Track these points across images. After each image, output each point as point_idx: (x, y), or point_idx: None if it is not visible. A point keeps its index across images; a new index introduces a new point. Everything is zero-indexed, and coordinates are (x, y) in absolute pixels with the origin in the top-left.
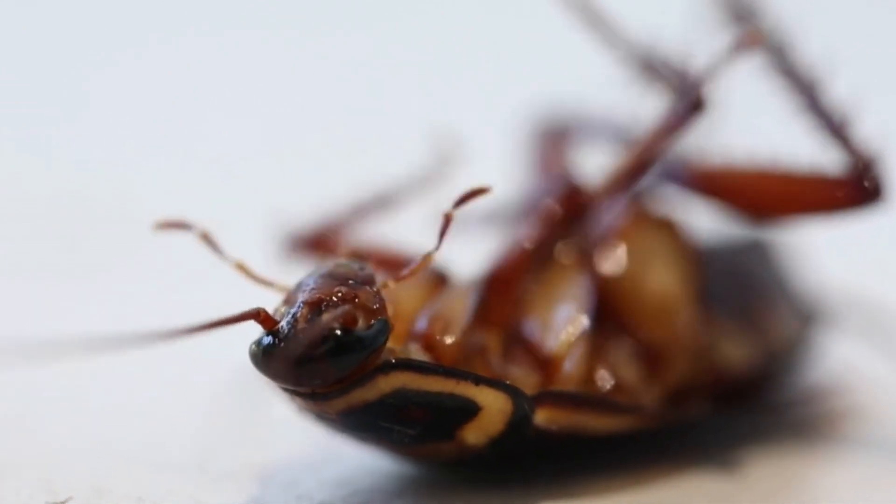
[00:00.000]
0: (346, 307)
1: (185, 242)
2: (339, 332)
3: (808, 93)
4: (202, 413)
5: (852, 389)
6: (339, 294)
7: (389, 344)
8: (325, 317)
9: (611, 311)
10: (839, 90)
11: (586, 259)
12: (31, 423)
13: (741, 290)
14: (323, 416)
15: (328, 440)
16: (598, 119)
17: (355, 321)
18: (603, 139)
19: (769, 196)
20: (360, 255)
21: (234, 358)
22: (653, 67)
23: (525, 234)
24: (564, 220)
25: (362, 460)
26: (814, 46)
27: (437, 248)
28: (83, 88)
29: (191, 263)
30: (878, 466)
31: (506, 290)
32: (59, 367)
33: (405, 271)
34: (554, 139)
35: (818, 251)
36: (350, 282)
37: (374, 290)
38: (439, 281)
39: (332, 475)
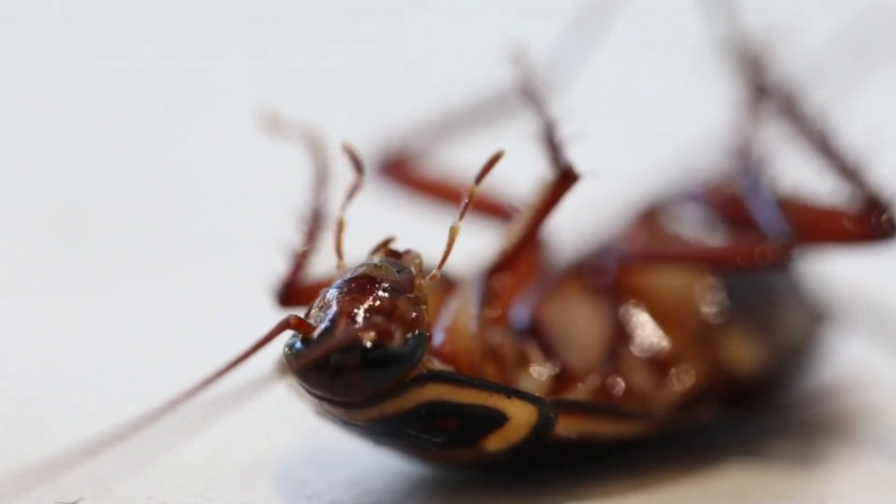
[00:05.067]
0: (383, 322)
1: (184, 243)
2: (375, 348)
3: (819, 139)
4: (212, 411)
5: (862, 390)
6: (377, 304)
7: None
8: (362, 331)
9: (624, 317)
10: (852, 132)
11: (599, 277)
12: (41, 423)
13: (751, 291)
14: (348, 422)
15: (339, 440)
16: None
17: (391, 336)
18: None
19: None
20: (396, 253)
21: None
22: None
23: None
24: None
25: (373, 460)
26: (824, 88)
27: (460, 219)
28: (80, 89)
29: (191, 264)
30: (888, 467)
31: (512, 283)
32: (71, 368)
33: (443, 256)
34: (400, 165)
35: (828, 252)
36: (388, 287)
37: (413, 296)
38: (447, 285)
39: (343, 475)
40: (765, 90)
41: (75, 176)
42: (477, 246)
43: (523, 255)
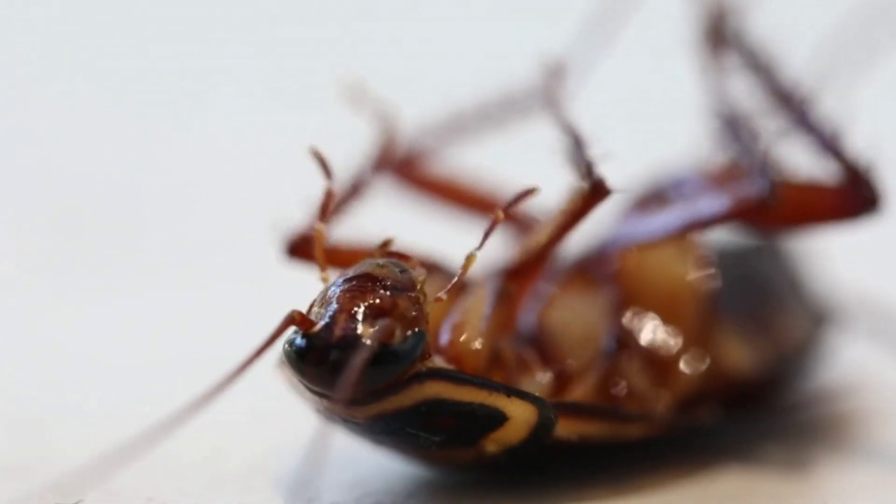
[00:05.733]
0: (385, 320)
1: (184, 243)
2: (376, 346)
3: (796, 110)
4: (213, 413)
5: (863, 392)
6: (378, 302)
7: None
8: (363, 328)
9: (623, 319)
10: (828, 103)
11: (603, 269)
12: (41, 423)
13: (752, 293)
14: (348, 421)
15: (340, 441)
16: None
17: (392, 334)
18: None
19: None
20: (399, 254)
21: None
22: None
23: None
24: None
25: (373, 462)
26: (800, 61)
27: (479, 248)
28: (80, 89)
29: (191, 264)
30: (889, 469)
31: (524, 291)
32: (71, 368)
33: (454, 280)
34: (410, 164)
35: (829, 253)
36: (390, 285)
37: (414, 296)
38: (459, 287)
39: (343, 477)
40: (727, 48)
41: (75, 176)
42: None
43: (543, 264)
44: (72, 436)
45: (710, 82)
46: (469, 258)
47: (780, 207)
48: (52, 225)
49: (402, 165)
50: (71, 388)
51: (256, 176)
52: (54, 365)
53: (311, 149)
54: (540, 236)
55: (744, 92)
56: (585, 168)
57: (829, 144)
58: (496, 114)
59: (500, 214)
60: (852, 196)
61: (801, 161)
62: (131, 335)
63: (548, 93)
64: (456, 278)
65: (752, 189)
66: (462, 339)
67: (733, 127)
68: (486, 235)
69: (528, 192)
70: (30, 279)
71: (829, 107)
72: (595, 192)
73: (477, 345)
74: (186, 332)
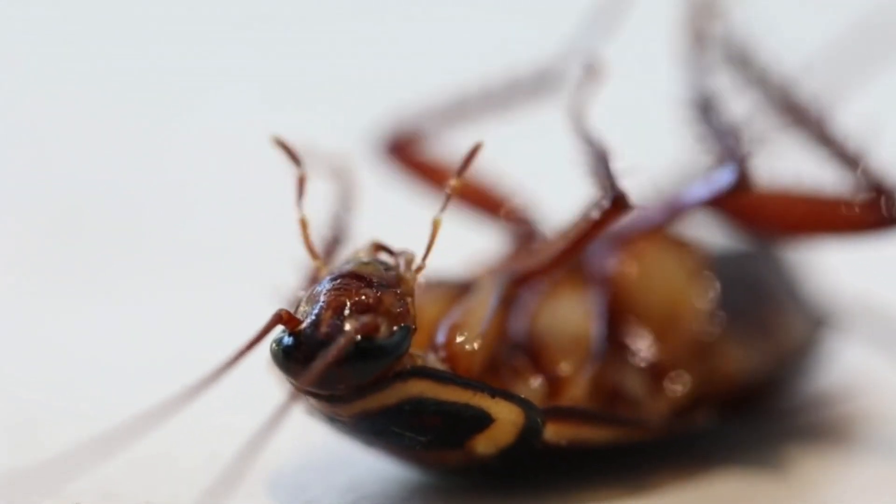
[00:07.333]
0: (369, 315)
1: (183, 245)
2: (360, 340)
3: (816, 126)
4: (210, 417)
5: (861, 395)
6: (363, 298)
7: (410, 350)
8: (348, 324)
9: (619, 323)
10: (848, 118)
11: (597, 272)
12: (39, 427)
13: (750, 296)
14: (335, 419)
15: (336, 445)
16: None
17: (377, 329)
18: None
19: (788, 216)
20: (385, 249)
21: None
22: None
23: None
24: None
25: (370, 465)
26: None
27: (442, 212)
28: (80, 89)
29: (190, 266)
30: (887, 471)
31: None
32: (70, 370)
33: (426, 249)
34: (407, 146)
35: (827, 256)
36: (375, 282)
37: (399, 292)
38: (459, 289)
39: (340, 480)
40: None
41: (75, 176)
42: (474, 244)
43: (551, 273)
44: (69, 439)
45: (688, 71)
46: (435, 223)
47: (754, 194)
48: (52, 226)
49: (399, 147)
50: (70, 390)
51: (255, 177)
52: (53, 366)
53: (274, 138)
54: (554, 247)
55: (722, 83)
56: (608, 182)
57: (852, 158)
58: (500, 98)
59: (455, 182)
60: (878, 210)
61: (823, 175)
62: (130, 336)
63: (573, 103)
64: (427, 246)
65: (724, 175)
66: (460, 339)
67: (706, 114)
68: (446, 202)
69: (475, 151)
70: (29, 280)
71: (850, 122)
72: (615, 206)
73: (474, 346)
74: (185, 334)
